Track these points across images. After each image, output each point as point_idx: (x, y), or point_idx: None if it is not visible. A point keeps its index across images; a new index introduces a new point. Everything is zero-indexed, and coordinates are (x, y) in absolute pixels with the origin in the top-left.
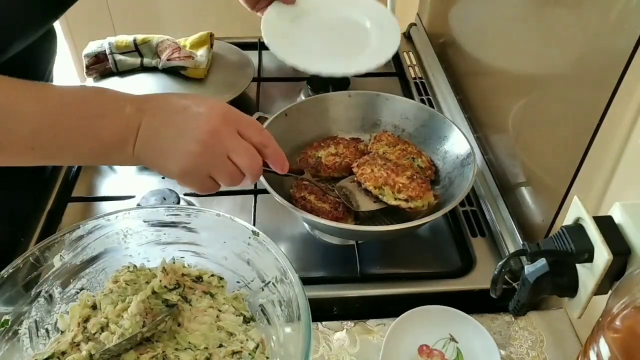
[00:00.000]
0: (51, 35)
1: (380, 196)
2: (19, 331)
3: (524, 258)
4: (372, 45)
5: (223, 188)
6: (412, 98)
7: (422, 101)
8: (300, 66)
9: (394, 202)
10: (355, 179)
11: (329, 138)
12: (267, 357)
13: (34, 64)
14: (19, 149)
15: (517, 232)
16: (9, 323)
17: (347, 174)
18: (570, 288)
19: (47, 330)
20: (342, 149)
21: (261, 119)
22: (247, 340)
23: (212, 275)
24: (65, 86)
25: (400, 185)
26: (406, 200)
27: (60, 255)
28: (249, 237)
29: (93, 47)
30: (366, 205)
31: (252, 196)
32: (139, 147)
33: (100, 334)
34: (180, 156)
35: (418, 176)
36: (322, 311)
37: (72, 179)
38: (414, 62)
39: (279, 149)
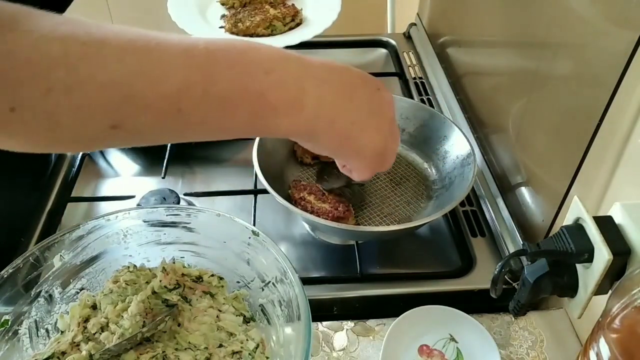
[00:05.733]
0: None
1: (274, 32)
2: (19, 331)
3: (524, 258)
4: (311, 13)
5: (223, 187)
6: (412, 98)
7: (422, 101)
8: None
9: (286, 29)
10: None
11: None
12: (267, 357)
13: None
14: (164, 109)
15: (517, 232)
16: (9, 323)
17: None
18: (570, 288)
19: (47, 330)
20: None
21: None
22: (247, 340)
23: (212, 275)
24: (204, 38)
25: (280, 13)
26: (292, 20)
27: (60, 255)
28: (249, 237)
29: None
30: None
31: (252, 196)
32: (316, 112)
33: (100, 334)
34: (376, 132)
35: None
36: (322, 311)
37: (72, 179)
38: (414, 62)
39: None
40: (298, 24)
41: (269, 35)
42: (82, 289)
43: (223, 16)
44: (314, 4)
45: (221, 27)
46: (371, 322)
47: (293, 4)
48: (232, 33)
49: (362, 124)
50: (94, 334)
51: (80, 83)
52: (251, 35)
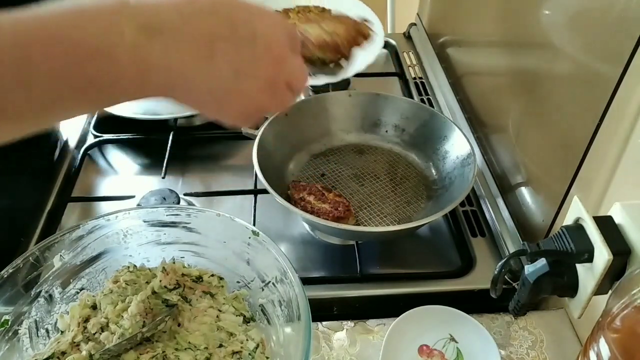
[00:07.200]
0: None
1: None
2: (19, 331)
3: (524, 258)
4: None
5: (223, 187)
6: (412, 98)
7: (422, 101)
8: None
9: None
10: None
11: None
12: (267, 357)
13: None
14: None
15: (517, 232)
16: (9, 323)
17: (333, 55)
18: (570, 288)
19: (47, 330)
20: (340, 29)
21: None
22: (247, 340)
23: (212, 275)
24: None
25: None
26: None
27: (60, 255)
28: (249, 237)
29: None
30: None
31: (252, 196)
32: (166, 83)
33: (100, 334)
34: (237, 100)
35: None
36: (322, 311)
37: (72, 179)
38: (414, 62)
39: None
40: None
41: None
42: (82, 289)
43: None
44: None
45: None
46: (371, 322)
47: None
48: None
49: (225, 91)
50: (94, 334)
51: None
52: None
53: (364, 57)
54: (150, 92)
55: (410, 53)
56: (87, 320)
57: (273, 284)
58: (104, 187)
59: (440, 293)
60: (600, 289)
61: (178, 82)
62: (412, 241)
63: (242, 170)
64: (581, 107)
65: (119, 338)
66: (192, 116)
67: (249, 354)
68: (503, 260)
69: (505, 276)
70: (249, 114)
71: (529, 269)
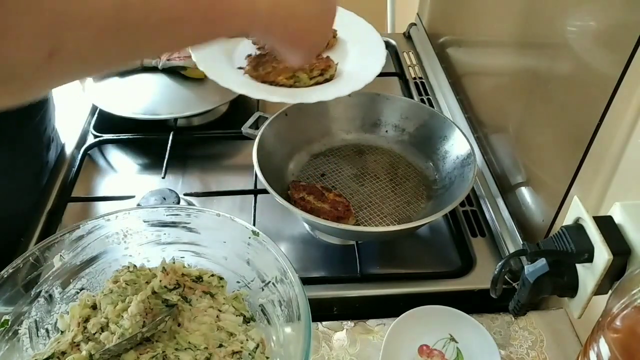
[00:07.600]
0: None
1: (296, 83)
2: (19, 331)
3: (524, 258)
4: (349, 68)
5: (223, 187)
6: (412, 98)
7: (422, 101)
8: (271, 98)
9: (311, 83)
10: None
11: None
12: (267, 357)
13: None
14: (102, 27)
15: (517, 232)
16: (9, 323)
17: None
18: (570, 288)
19: (47, 330)
20: None
21: (261, 119)
22: (247, 340)
23: (212, 275)
24: None
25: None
26: (321, 74)
27: (60, 255)
28: (249, 237)
29: None
30: None
31: (252, 196)
32: (270, 14)
33: (100, 334)
34: (315, 33)
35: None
36: (322, 311)
37: (72, 179)
38: (414, 62)
39: None
40: (327, 80)
41: (290, 86)
42: (82, 289)
43: (248, 56)
44: (355, 60)
45: (240, 68)
46: (371, 322)
47: (328, 57)
48: (252, 76)
49: (310, 26)
50: (94, 334)
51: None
52: (271, 83)
53: (370, 70)
54: (251, 29)
55: (410, 53)
56: (87, 320)
57: (273, 284)
58: (104, 187)
59: (440, 293)
60: (600, 289)
61: (279, 20)
62: (412, 241)
63: (242, 170)
64: (581, 107)
65: (119, 338)
66: (192, 116)
67: (249, 354)
68: (503, 260)
69: (505, 276)
70: (317, 48)
71: (529, 269)
